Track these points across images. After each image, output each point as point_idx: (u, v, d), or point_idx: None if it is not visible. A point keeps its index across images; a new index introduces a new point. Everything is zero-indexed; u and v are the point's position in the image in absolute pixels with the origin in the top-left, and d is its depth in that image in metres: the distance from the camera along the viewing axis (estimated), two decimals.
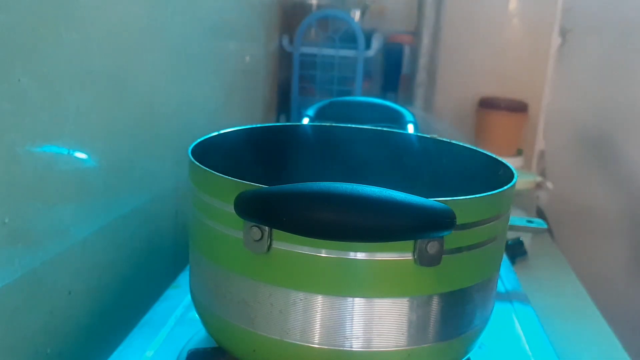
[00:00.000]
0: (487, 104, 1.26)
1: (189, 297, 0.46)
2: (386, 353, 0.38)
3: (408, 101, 1.25)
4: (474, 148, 0.50)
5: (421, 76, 1.27)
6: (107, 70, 0.56)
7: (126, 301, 0.61)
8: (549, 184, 1.20)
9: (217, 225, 0.39)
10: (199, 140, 0.45)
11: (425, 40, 1.26)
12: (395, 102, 0.82)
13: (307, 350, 0.37)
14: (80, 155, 0.52)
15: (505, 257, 0.68)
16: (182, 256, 0.50)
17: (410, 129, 0.72)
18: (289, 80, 1.20)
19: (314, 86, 1.17)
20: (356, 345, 0.37)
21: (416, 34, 1.27)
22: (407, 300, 0.37)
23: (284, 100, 1.25)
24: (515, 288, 0.62)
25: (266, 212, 0.35)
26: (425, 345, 0.38)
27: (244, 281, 0.38)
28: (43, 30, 0.45)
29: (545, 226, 0.56)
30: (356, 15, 1.22)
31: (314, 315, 0.37)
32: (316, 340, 0.37)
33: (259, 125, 0.54)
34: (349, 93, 1.14)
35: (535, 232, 0.57)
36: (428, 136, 0.54)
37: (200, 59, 0.80)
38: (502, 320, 0.55)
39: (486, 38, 1.26)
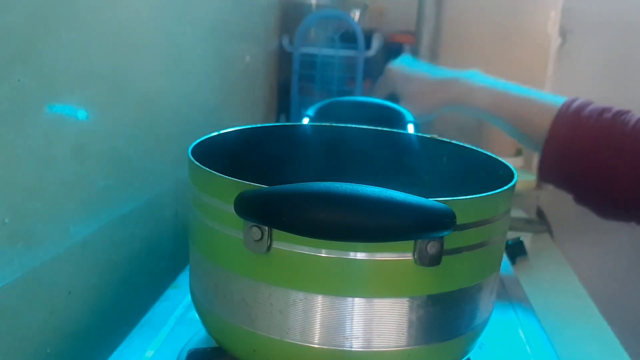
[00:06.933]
0: None
1: (189, 297, 0.46)
2: (386, 353, 0.38)
3: None
4: (474, 148, 0.50)
5: None
6: (107, 70, 0.56)
7: (126, 301, 0.61)
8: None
9: (217, 225, 0.39)
10: (199, 140, 0.45)
11: (425, 40, 1.26)
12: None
13: (307, 350, 0.37)
14: (80, 155, 0.52)
15: (505, 257, 0.68)
16: (182, 256, 0.50)
17: (410, 129, 0.72)
18: (289, 80, 1.19)
19: (314, 86, 1.17)
20: (356, 345, 0.37)
21: (416, 34, 1.27)
22: (407, 300, 0.37)
23: (284, 100, 1.25)
24: (515, 288, 0.62)
25: (266, 212, 0.35)
26: (425, 345, 0.38)
27: (244, 281, 0.38)
28: (43, 30, 0.45)
29: (545, 226, 0.57)
30: (356, 15, 1.22)
31: (314, 315, 0.37)
32: (316, 340, 0.37)
33: (259, 125, 0.54)
34: (349, 93, 1.13)
35: (536, 232, 0.57)
36: (428, 136, 0.54)
37: (200, 59, 0.80)
38: (502, 321, 0.55)
39: (486, 38, 1.26)
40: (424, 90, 0.84)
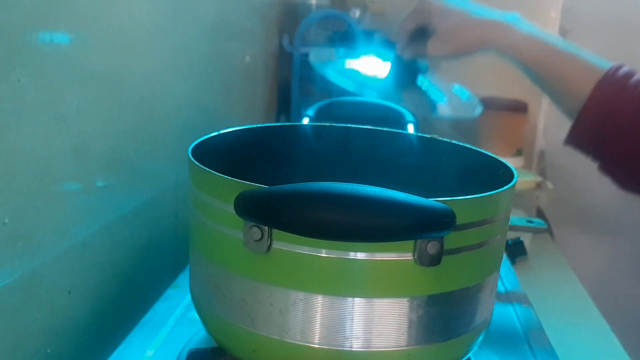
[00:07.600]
0: (487, 104, 1.26)
1: (189, 297, 0.46)
2: (386, 353, 0.38)
3: None
4: (474, 148, 0.50)
5: None
6: (107, 70, 0.56)
7: (126, 301, 0.61)
8: (549, 184, 1.20)
9: (217, 225, 0.39)
10: (199, 140, 0.45)
11: None
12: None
13: (307, 350, 0.37)
14: (80, 155, 0.52)
15: (505, 257, 0.68)
16: (182, 256, 0.50)
17: (410, 129, 0.72)
18: (289, 80, 1.19)
19: (314, 86, 1.17)
20: (356, 345, 0.37)
21: None
22: (407, 300, 0.37)
23: (284, 100, 1.25)
24: (515, 288, 0.62)
25: (266, 212, 0.35)
26: (425, 345, 0.38)
27: (244, 281, 0.38)
28: (43, 30, 0.45)
29: (545, 226, 0.57)
30: (356, 15, 1.22)
31: (314, 315, 0.37)
32: (316, 340, 0.37)
33: (259, 125, 0.54)
34: (349, 93, 1.13)
35: (535, 232, 0.57)
36: (428, 136, 0.54)
37: (200, 59, 0.80)
38: (503, 321, 0.55)
39: None
40: (460, 28, 0.77)
